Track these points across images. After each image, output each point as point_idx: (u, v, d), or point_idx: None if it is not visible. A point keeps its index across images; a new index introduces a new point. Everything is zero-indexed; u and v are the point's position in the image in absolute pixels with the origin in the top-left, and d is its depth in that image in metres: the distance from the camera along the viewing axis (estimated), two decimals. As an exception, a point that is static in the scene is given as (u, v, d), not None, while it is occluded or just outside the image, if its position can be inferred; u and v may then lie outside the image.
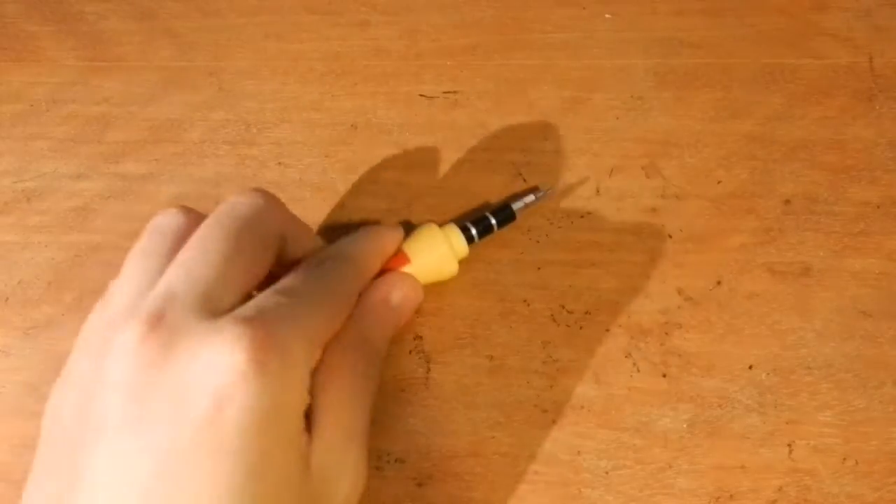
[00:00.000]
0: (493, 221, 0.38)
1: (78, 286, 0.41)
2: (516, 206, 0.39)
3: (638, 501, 0.33)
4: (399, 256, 0.37)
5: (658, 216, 0.40)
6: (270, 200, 0.32)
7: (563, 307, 0.38)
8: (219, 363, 0.24)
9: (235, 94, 0.46)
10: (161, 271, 0.28)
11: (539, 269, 0.39)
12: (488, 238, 0.39)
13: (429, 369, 0.37)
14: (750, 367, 0.36)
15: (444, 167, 0.43)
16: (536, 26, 0.47)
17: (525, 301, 0.38)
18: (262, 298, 0.28)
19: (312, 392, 0.28)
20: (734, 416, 0.35)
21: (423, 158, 0.43)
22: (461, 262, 0.37)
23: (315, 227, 0.41)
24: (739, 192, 0.40)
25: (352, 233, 0.36)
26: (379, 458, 0.35)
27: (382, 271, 0.36)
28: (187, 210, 0.32)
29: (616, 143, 0.42)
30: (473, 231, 0.38)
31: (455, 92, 0.45)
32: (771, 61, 0.45)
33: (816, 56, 0.45)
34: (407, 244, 0.37)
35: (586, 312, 0.38)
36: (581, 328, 0.37)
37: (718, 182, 0.41)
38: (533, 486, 0.34)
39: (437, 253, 0.36)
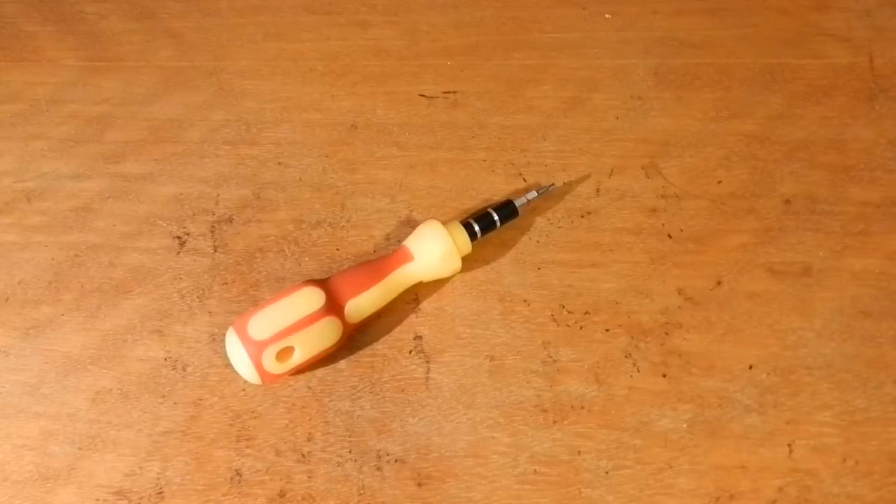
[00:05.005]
0: (496, 217, 0.38)
1: (78, 286, 0.41)
2: (519, 202, 0.39)
3: (638, 501, 0.33)
4: (402, 253, 0.37)
5: (658, 216, 0.40)
6: None
7: (563, 307, 0.38)
8: None
9: (235, 94, 0.46)
10: None
11: (539, 269, 0.39)
12: (489, 237, 0.39)
13: (429, 369, 0.37)
14: (750, 367, 0.36)
15: (444, 167, 0.42)
16: (536, 26, 0.47)
17: (525, 301, 0.38)
18: None
19: None
20: (734, 416, 0.35)
21: (423, 158, 0.43)
22: (463, 261, 0.37)
23: (316, 228, 0.41)
24: (739, 192, 0.40)
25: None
26: (379, 458, 0.35)
27: (382, 270, 0.36)
28: None
29: (616, 143, 0.42)
30: (476, 227, 0.38)
31: (455, 92, 0.45)
32: (771, 61, 0.45)
33: (816, 56, 0.45)
34: (410, 241, 0.37)
35: (586, 312, 0.38)
36: (581, 328, 0.37)
37: (718, 182, 0.41)
38: (533, 486, 0.34)
39: (440, 249, 0.36)
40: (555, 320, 0.38)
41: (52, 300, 0.40)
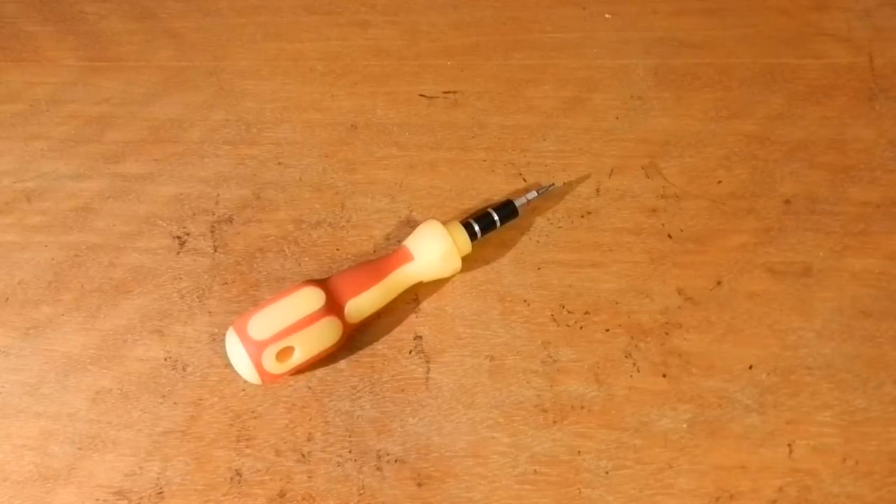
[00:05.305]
0: (496, 217, 0.38)
1: (78, 286, 0.41)
2: (519, 202, 0.39)
3: (638, 501, 0.33)
4: (402, 253, 0.37)
5: (658, 216, 0.40)
6: None
7: (563, 307, 0.38)
8: None
9: (235, 94, 0.46)
10: None
11: (539, 269, 0.39)
12: (489, 237, 0.39)
13: (429, 369, 0.37)
14: (750, 367, 0.36)
15: (444, 167, 0.42)
16: (536, 26, 0.47)
17: (525, 301, 0.38)
18: None
19: None
20: (734, 416, 0.35)
21: (423, 158, 0.43)
22: (463, 261, 0.37)
23: (316, 228, 0.41)
24: (739, 192, 0.40)
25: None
26: (379, 458, 0.35)
27: (382, 270, 0.36)
28: None
29: (616, 143, 0.42)
30: (476, 227, 0.38)
31: (455, 92, 0.45)
32: (771, 61, 0.45)
33: (816, 56, 0.45)
34: (410, 241, 0.37)
35: (586, 312, 0.38)
36: (581, 328, 0.37)
37: (718, 182, 0.41)
38: (533, 486, 0.34)
39: (440, 249, 0.36)
40: (555, 320, 0.38)
41: (52, 300, 0.40)
